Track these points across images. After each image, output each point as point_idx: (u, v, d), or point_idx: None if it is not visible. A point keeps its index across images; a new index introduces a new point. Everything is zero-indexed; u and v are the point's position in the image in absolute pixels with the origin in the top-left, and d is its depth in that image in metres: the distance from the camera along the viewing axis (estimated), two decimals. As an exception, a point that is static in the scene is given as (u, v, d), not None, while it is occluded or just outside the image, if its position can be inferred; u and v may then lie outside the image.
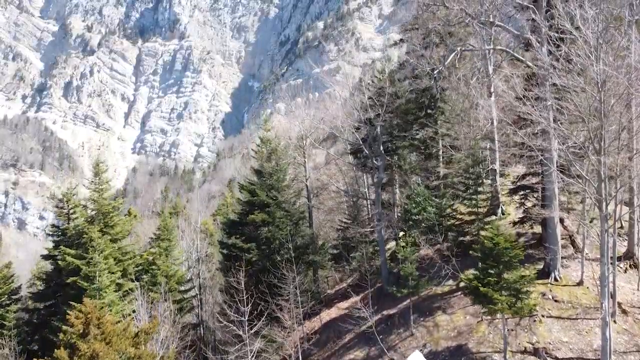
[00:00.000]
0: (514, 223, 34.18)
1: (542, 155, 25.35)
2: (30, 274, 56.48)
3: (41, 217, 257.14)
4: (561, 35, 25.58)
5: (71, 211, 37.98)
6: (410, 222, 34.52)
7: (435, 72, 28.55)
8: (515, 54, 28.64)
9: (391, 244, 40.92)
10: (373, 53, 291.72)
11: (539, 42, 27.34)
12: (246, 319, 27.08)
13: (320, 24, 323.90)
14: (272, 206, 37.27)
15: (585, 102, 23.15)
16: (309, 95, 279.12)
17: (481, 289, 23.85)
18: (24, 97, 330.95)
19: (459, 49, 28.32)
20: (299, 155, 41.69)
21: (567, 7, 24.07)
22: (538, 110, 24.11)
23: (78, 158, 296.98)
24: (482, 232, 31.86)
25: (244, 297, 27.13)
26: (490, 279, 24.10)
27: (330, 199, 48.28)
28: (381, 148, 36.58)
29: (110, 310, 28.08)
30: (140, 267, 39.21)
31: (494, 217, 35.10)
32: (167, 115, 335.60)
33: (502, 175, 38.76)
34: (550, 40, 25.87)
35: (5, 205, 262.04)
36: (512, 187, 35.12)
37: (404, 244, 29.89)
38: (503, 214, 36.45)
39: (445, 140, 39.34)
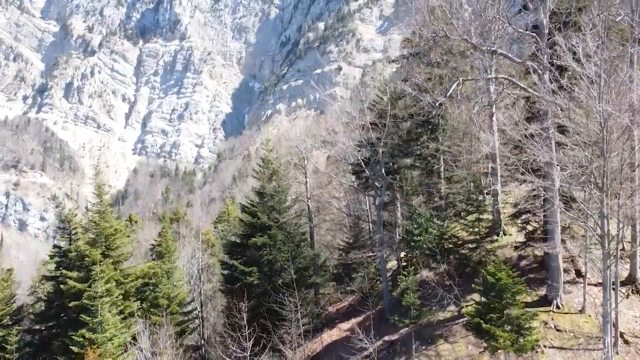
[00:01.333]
0: (516, 247, 34.08)
1: (544, 192, 25.24)
2: (32, 281, 56.39)
3: (42, 218, 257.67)
4: (563, 63, 25.44)
5: (73, 232, 37.86)
6: (412, 244, 34.43)
7: (437, 103, 28.40)
8: (518, 82, 28.48)
9: (393, 263, 40.85)
10: (374, 54, 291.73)
11: (540, 71, 27.22)
12: (248, 354, 27.12)
13: (321, 25, 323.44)
14: (273, 228, 37.19)
15: (586, 136, 23.06)
16: (309, 96, 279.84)
17: (483, 325, 23.77)
18: (24, 98, 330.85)
19: (460, 79, 28.21)
20: (300, 175, 41.61)
21: (569, 42, 23.90)
22: (539, 144, 24.02)
23: (79, 159, 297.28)
24: (484, 259, 31.82)
25: (246, 333, 27.14)
26: (492, 314, 23.99)
27: (330, 219, 48.06)
28: (382, 170, 36.50)
29: (112, 343, 28.08)
30: (141, 282, 39.08)
31: (495, 243, 34.96)
32: (167, 116, 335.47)
33: (503, 191, 38.59)
34: (552, 72, 25.76)
35: (6, 206, 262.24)
36: (513, 211, 34.98)
37: (405, 272, 29.79)
38: (505, 234, 36.35)
39: (446, 155, 39.23)
